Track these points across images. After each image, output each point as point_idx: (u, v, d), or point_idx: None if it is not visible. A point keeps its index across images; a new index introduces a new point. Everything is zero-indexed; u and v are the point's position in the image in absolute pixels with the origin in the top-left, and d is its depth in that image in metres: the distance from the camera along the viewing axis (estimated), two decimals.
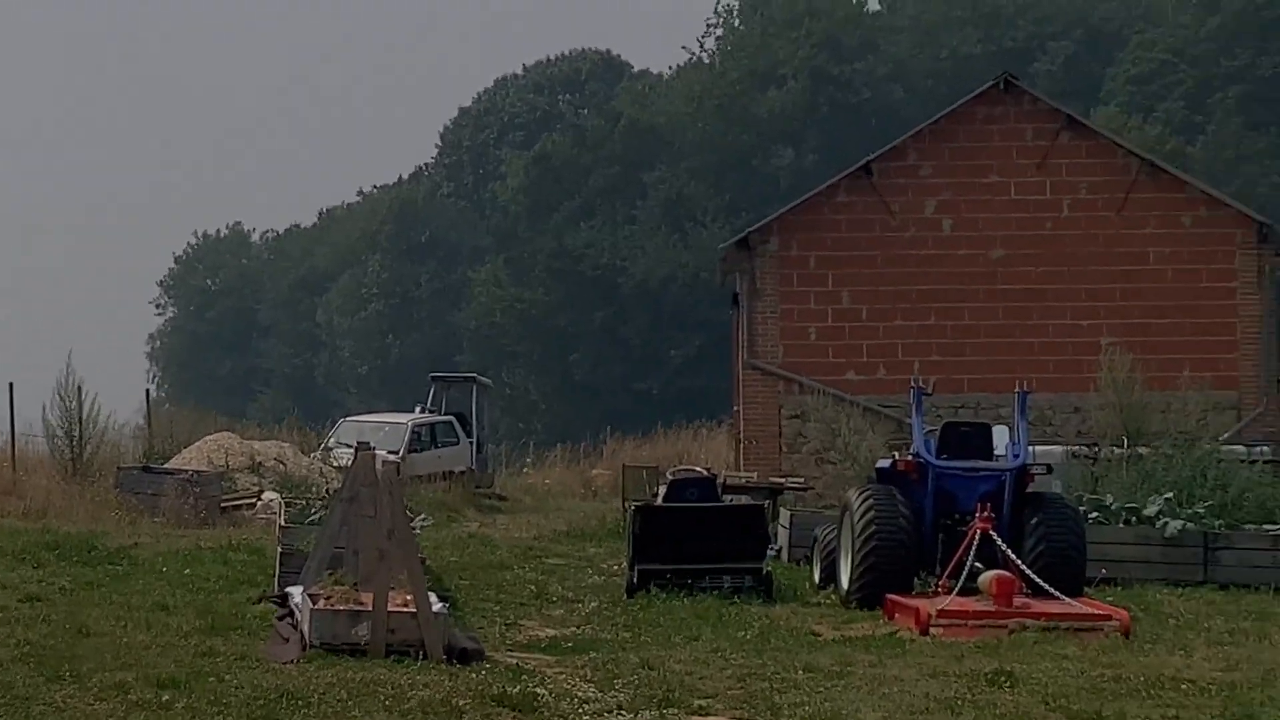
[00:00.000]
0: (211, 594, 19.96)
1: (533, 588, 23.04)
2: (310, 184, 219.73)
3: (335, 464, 33.65)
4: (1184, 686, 14.82)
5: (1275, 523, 24.62)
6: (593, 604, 21.26)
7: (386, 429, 40.00)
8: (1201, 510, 24.66)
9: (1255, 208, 40.54)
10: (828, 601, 21.62)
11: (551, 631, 18.80)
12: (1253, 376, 35.09)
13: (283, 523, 22.95)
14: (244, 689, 13.49)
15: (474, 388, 45.71)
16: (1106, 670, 15.54)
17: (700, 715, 13.64)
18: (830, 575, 22.35)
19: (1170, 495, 24.98)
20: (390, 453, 33.04)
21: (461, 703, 13.31)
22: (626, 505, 28.47)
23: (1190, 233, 35.07)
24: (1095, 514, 24.60)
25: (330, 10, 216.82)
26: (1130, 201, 34.99)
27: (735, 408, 38.90)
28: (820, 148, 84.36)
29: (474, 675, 14.65)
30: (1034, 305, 35.03)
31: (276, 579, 19.63)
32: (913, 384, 23.91)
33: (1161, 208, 35.26)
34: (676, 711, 13.56)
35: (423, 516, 27.06)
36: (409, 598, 15.72)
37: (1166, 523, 24.37)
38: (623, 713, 13.48)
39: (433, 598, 16.24)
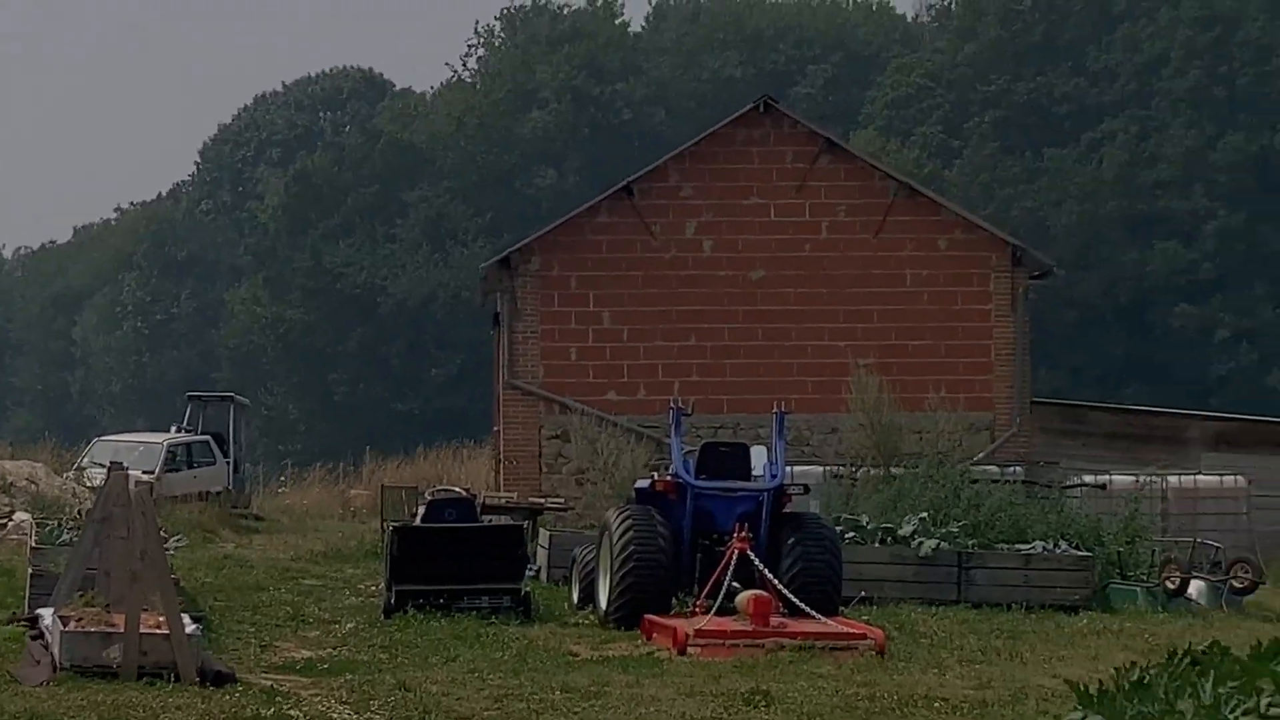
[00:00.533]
0: None
1: (289, 609, 23.08)
2: (67, 201, 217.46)
3: (89, 484, 33.20)
4: (937, 704, 15.17)
5: (1027, 542, 25.31)
6: (349, 625, 21.34)
7: (141, 449, 39.85)
8: (955, 530, 25.25)
9: (1010, 231, 41.86)
10: (586, 622, 21.90)
11: (307, 653, 18.81)
12: (1006, 398, 35.91)
13: (34, 543, 22.63)
14: None
15: (231, 407, 45.68)
16: (861, 689, 15.89)
17: None
18: (589, 595, 22.63)
19: (925, 515, 25.47)
20: (145, 473, 32.79)
21: None
22: (384, 526, 28.47)
23: (946, 255, 35.79)
24: (851, 534, 24.99)
25: (85, 22, 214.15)
26: (888, 224, 35.73)
27: (496, 428, 39.24)
28: (582, 168, 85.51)
29: (227, 698, 14.66)
30: (793, 326, 35.65)
31: (27, 600, 19.48)
32: (672, 404, 24.29)
33: (918, 230, 35.96)
34: None
35: (178, 537, 26.97)
36: (161, 619, 15.60)
37: (921, 542, 24.88)
38: None
39: (186, 619, 16.17)
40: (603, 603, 21.76)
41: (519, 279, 36.01)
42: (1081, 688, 10.80)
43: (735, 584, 20.46)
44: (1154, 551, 27.09)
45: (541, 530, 28.12)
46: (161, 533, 18.66)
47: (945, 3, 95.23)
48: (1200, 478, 32.16)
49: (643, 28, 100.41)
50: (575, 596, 23.47)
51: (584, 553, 23.43)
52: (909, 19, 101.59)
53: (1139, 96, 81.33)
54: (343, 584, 26.49)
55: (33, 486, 32.81)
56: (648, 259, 35.99)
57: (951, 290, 35.80)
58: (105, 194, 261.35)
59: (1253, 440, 37.37)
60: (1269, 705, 10.10)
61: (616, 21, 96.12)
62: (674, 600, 21.48)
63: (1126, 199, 78.59)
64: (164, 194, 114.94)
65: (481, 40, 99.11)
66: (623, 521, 21.55)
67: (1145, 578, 26.13)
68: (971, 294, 35.85)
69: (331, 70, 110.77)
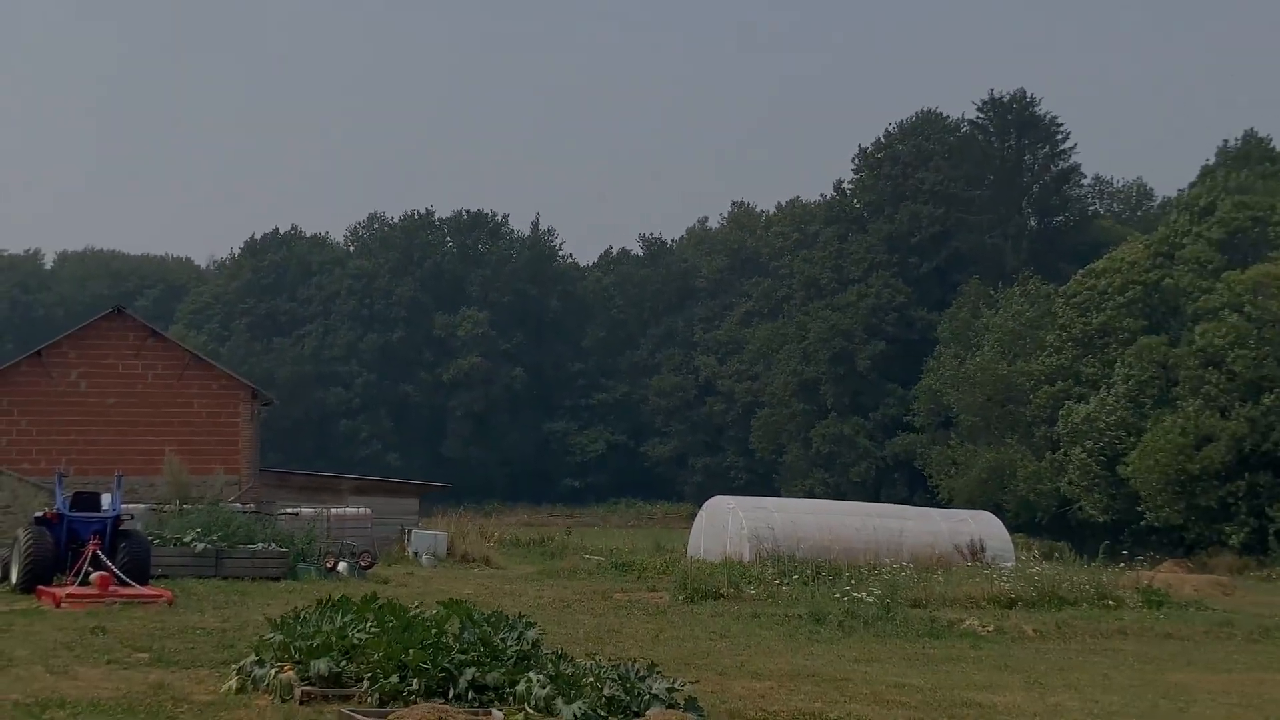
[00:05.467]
0: None
1: None
2: None
3: None
4: (198, 631, 17.88)
5: (254, 543, 28.14)
6: None
7: None
8: (214, 537, 27.76)
9: (252, 379, 45.48)
10: (4, 590, 23.54)
11: None
12: (248, 468, 39.01)
13: None
14: None
15: None
16: (158, 623, 18.40)
17: None
18: (5, 575, 24.06)
19: (199, 529, 28.04)
20: None
21: None
22: None
23: (217, 393, 39.65)
24: (158, 540, 26.92)
25: None
26: (185, 376, 39.62)
27: None
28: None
29: None
30: (130, 428, 38.62)
31: None
32: (56, 470, 26.82)
33: (202, 380, 39.82)
34: None
35: None
36: None
37: (196, 544, 27.21)
38: None
39: None
40: (14, 579, 23.19)
41: None
42: (274, 619, 13.90)
43: (91, 569, 22.17)
44: (320, 550, 29.76)
45: None
46: None
47: (229, 256, 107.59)
48: (347, 510, 35.30)
49: None
50: None
51: (4, 553, 24.65)
52: (202, 266, 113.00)
53: None
54: None
55: None
56: (50, 391, 38.51)
57: (220, 411, 39.34)
58: None
59: (375, 490, 41.17)
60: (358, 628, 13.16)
61: None
62: (55, 578, 22.82)
63: None
64: None
65: None
66: (27, 535, 23.36)
67: (316, 562, 28.92)
68: (231, 413, 39.18)
69: None
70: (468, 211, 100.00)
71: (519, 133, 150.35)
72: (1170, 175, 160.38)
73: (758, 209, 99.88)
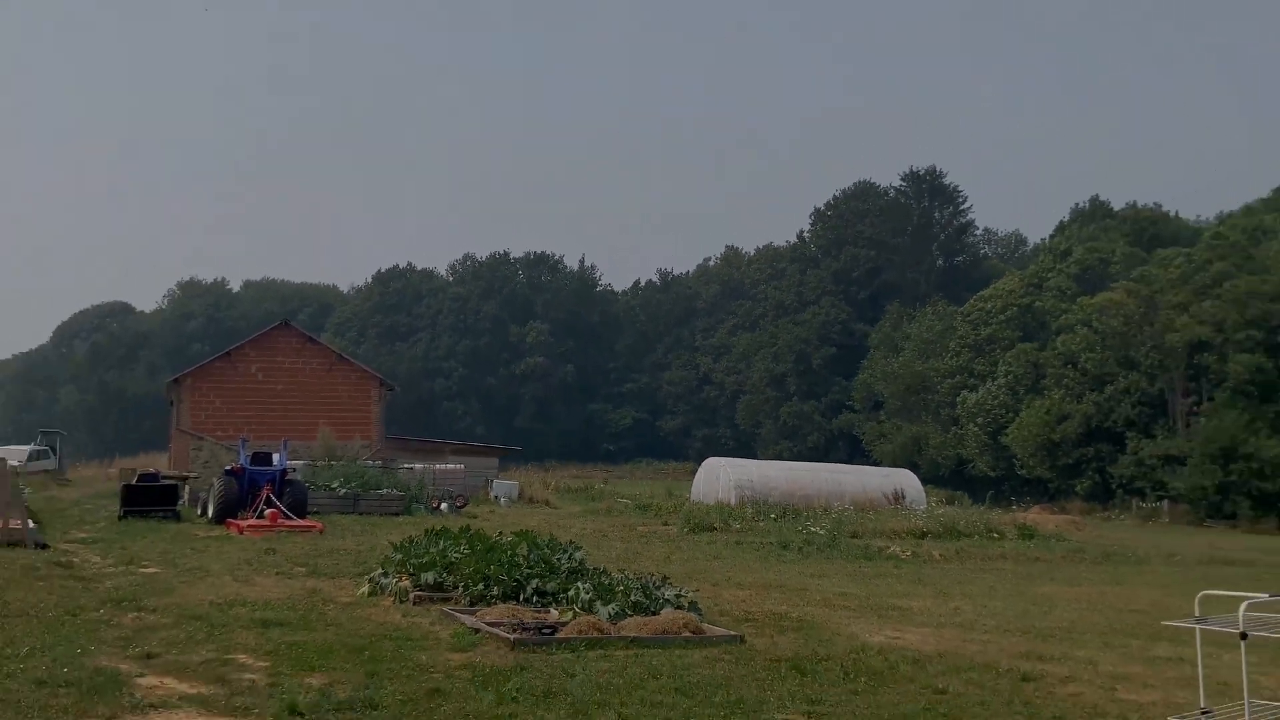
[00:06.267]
0: None
1: (77, 514, 24.08)
2: None
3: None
4: (342, 551, 17.08)
5: (381, 489, 27.18)
6: (102, 523, 22.14)
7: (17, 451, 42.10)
8: (355, 484, 27.88)
9: (381, 371, 46.17)
10: (203, 522, 23.20)
11: (83, 535, 19.50)
12: (378, 434, 38.64)
13: None
14: None
15: (57, 435, 49.25)
16: (313, 545, 18.03)
17: (141, 567, 14.61)
18: (204, 511, 23.86)
19: (342, 479, 28.10)
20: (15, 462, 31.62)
21: (37, 564, 14.30)
22: (120, 483, 28.70)
23: (356, 382, 39.01)
24: (312, 486, 26.75)
25: None
26: (333, 371, 38.99)
27: (170, 445, 39.70)
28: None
29: (45, 553, 15.76)
30: (291, 409, 38.04)
31: None
32: (241, 437, 27.38)
33: (345, 372, 39.05)
34: (133, 565, 14.68)
35: (28, 490, 26.98)
36: (17, 522, 16.60)
37: (340, 489, 27.24)
38: (109, 565, 14.67)
39: (30, 522, 16.89)
40: (210, 514, 23.14)
41: (183, 384, 37.89)
42: (395, 544, 13.99)
43: (265, 507, 22.27)
44: (427, 494, 29.48)
45: (187, 485, 28.74)
46: (19, 484, 19.73)
47: (364, 284, 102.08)
48: (448, 465, 33.69)
49: None
50: (198, 511, 24.46)
51: (204, 495, 24.83)
52: (344, 291, 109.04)
53: None
54: (100, 507, 26.80)
55: None
56: (237, 381, 38.22)
57: (357, 395, 38.74)
58: None
59: (467, 452, 40.29)
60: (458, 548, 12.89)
61: None
62: (239, 513, 22.67)
63: None
64: None
65: None
66: (219, 482, 23.45)
67: (425, 503, 28.64)
68: (365, 396, 38.32)
69: None
70: (534, 252, 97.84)
71: (573, 192, 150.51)
72: (1038, 227, 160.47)
73: (742, 251, 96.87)
